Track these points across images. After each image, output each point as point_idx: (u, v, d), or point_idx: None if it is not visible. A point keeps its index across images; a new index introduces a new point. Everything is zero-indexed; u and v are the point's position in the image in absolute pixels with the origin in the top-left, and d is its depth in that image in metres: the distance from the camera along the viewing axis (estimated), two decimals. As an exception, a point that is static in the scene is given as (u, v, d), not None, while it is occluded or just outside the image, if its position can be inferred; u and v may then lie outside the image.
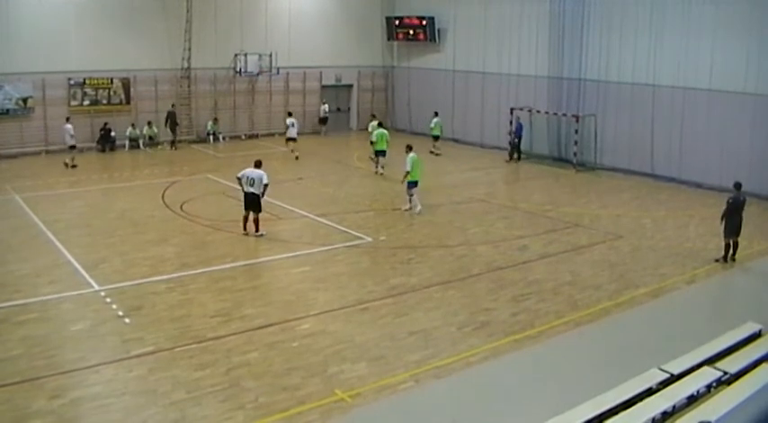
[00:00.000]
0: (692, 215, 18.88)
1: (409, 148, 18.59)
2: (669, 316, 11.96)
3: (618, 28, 24.13)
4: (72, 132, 23.82)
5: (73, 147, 23.87)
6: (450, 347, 10.44)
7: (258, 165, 16.09)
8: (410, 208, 18.41)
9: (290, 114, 28.02)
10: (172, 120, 28.03)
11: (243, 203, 15.95)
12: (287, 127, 26.83)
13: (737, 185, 14.78)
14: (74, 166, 23.61)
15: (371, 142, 23.32)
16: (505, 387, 9.42)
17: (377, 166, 23.21)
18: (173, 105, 28.40)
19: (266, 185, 15.78)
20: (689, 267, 14.43)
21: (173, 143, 28.07)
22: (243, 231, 15.98)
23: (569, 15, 25.72)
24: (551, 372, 9.71)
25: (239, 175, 16.03)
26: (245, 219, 15.95)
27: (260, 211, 15.86)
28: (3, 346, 10.10)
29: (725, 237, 14.69)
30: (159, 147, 27.90)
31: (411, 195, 18.32)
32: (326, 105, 32.20)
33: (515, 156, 26.73)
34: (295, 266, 14.23)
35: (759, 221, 17.46)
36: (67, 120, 24.57)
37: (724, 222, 14.60)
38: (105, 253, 14.61)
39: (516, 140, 26.70)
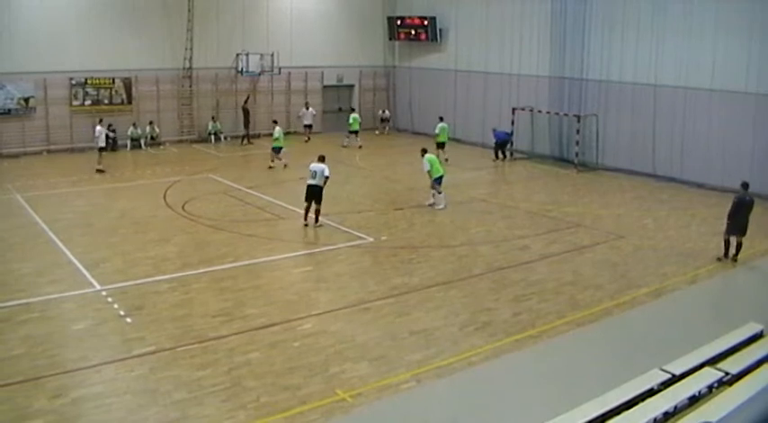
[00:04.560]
0: (693, 215, 18.86)
1: (424, 151, 19.11)
2: (670, 316, 11.95)
3: (619, 28, 24.11)
4: (97, 135, 23.07)
5: (103, 149, 23.22)
6: (451, 347, 10.44)
7: (322, 159, 16.93)
8: (434, 203, 18.88)
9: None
10: (246, 115, 29.12)
11: (305, 195, 16.62)
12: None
13: (744, 185, 14.82)
14: (99, 171, 22.96)
15: (275, 139, 24.25)
16: (507, 387, 9.42)
17: (276, 161, 24.16)
18: (245, 101, 29.33)
19: (327, 177, 16.54)
20: (690, 267, 14.41)
21: (245, 137, 29.14)
22: (304, 221, 16.71)
23: (571, 15, 25.70)
24: (553, 372, 9.71)
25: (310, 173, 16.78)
26: (307, 209, 16.64)
27: (320, 203, 16.54)
28: (4, 346, 10.12)
29: (725, 233, 14.73)
30: (161, 147, 27.93)
31: (439, 192, 18.80)
32: (387, 111, 33.64)
33: (501, 156, 26.68)
34: (296, 266, 14.25)
35: (761, 221, 17.35)
36: (100, 121, 23.97)
37: (728, 220, 14.63)
38: (107, 252, 14.63)
39: (495, 146, 26.77)
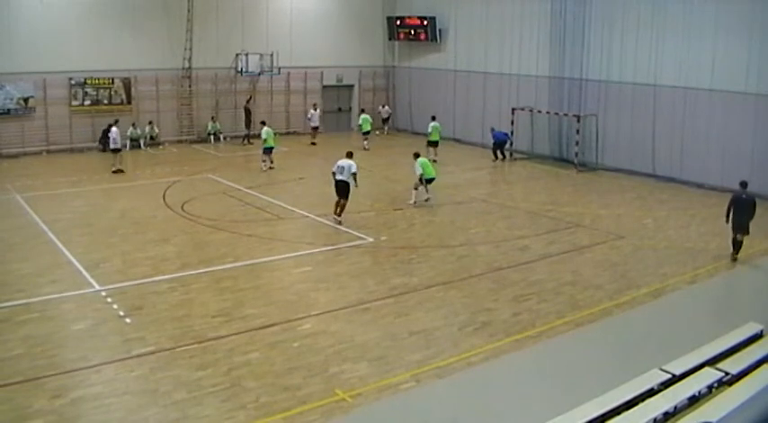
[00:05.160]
0: (693, 215, 18.86)
1: (416, 155, 19.68)
2: (670, 316, 11.95)
3: (619, 27, 24.12)
4: (115, 136, 22.87)
5: (116, 150, 22.92)
6: (451, 347, 10.44)
7: (349, 155, 17.47)
8: (428, 199, 19.37)
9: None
10: (247, 115, 29.16)
11: (334, 190, 17.08)
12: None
13: (742, 184, 14.93)
14: (118, 171, 22.73)
15: (264, 140, 23.80)
16: (507, 387, 9.42)
17: (264, 163, 23.82)
18: (247, 101, 29.52)
19: (354, 174, 16.95)
20: (690, 267, 14.42)
21: (246, 137, 29.11)
22: (335, 215, 17.03)
23: (571, 15, 25.70)
24: (552, 372, 9.71)
25: (333, 168, 17.13)
26: (337, 204, 17.02)
27: (347, 198, 16.97)
28: (4, 346, 10.11)
29: (731, 231, 14.92)
30: (161, 147, 27.92)
31: (415, 188, 19.20)
32: (387, 107, 33.40)
33: (500, 156, 26.74)
34: (296, 266, 14.23)
35: (761, 221, 17.31)
36: (116, 122, 23.74)
37: (730, 218, 14.77)
38: (106, 253, 14.62)
39: (494, 146, 26.80)
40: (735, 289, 14.16)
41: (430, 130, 26.15)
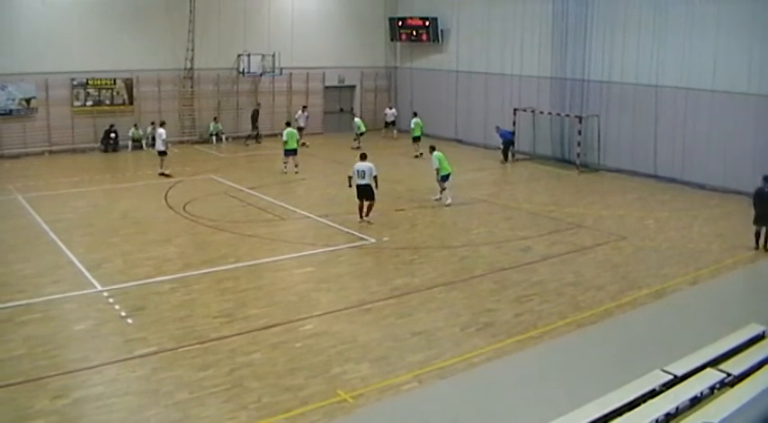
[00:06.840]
0: (694, 216, 18.84)
1: (432, 149, 19.66)
2: (672, 317, 11.94)
3: (621, 28, 24.11)
4: (164, 137, 22.68)
5: (163, 152, 22.61)
6: (453, 348, 10.44)
7: (364, 157, 17.30)
8: (440, 198, 19.44)
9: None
10: (254, 117, 29.47)
11: (356, 194, 17.03)
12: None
13: (765, 178, 15.29)
14: (163, 175, 22.45)
15: (284, 142, 23.26)
16: (508, 388, 9.41)
17: (284, 165, 23.37)
18: (258, 103, 30.00)
19: (375, 177, 16.85)
20: (692, 268, 14.40)
21: (250, 137, 29.50)
22: (359, 219, 17.06)
23: (572, 16, 25.70)
24: (554, 373, 9.70)
25: (351, 173, 17.09)
26: (360, 208, 17.05)
27: (374, 199, 16.95)
28: (6, 346, 10.12)
29: (753, 223, 15.37)
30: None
31: (443, 189, 19.35)
32: (393, 109, 32.92)
33: (508, 157, 26.79)
34: (298, 267, 14.23)
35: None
36: (162, 124, 23.62)
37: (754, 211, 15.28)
38: (108, 253, 14.63)
39: (503, 146, 26.73)
40: (737, 290, 14.11)
41: (412, 125, 26.66)
